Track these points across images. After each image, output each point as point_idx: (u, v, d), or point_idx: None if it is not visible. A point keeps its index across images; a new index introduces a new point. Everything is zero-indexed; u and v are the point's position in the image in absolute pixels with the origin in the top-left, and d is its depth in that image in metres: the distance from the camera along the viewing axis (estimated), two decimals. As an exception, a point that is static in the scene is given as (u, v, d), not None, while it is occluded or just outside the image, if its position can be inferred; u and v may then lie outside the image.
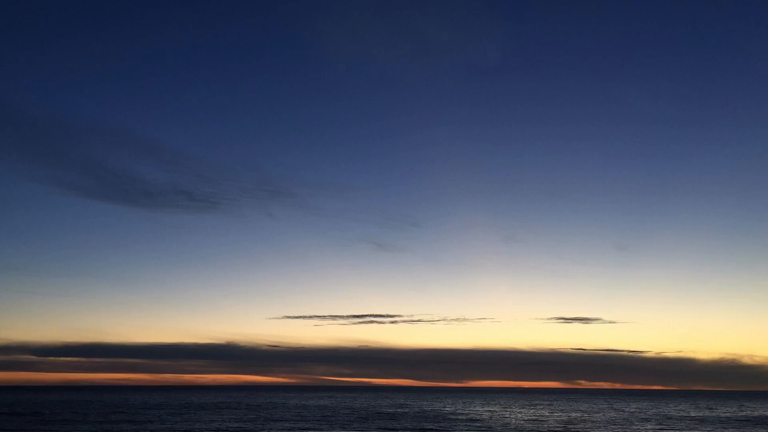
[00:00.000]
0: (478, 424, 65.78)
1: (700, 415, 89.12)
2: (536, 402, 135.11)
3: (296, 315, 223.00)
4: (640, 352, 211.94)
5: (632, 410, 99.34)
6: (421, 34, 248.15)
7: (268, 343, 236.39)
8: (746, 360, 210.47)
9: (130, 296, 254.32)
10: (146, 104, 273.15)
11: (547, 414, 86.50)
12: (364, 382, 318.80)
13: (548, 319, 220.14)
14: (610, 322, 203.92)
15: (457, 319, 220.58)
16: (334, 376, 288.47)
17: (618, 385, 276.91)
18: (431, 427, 62.56)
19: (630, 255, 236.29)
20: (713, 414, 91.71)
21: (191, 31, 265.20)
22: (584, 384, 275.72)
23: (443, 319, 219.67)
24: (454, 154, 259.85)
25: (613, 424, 67.51)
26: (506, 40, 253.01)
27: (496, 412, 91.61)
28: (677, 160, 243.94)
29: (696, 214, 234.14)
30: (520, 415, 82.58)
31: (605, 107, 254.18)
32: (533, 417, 78.98)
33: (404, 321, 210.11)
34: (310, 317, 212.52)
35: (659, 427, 65.51)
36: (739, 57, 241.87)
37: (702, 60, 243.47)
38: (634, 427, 64.71)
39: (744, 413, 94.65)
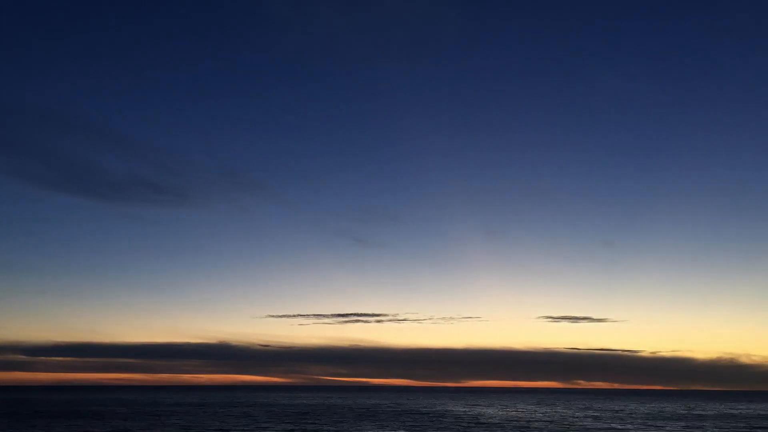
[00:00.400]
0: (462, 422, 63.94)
1: (681, 413, 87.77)
2: (520, 400, 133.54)
3: (280, 314, 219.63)
4: (634, 351, 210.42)
5: (615, 408, 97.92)
6: (397, 24, 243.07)
7: (260, 343, 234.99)
8: (744, 359, 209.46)
9: (104, 294, 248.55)
10: (102, 91, 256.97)
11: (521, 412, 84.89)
12: (361, 382, 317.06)
13: (537, 318, 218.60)
14: (599, 320, 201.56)
15: (444, 318, 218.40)
16: (329, 376, 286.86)
17: (616, 385, 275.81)
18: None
19: (617, 251, 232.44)
20: (691, 412, 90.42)
21: (149, 16, 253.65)
22: (583, 384, 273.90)
23: (429, 318, 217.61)
24: (435, 146, 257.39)
25: (581, 423, 65.81)
26: (489, 37, 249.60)
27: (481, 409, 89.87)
28: (668, 154, 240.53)
29: (687, 211, 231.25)
30: (490, 411, 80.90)
31: (590, 103, 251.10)
32: (509, 415, 77.39)
33: (390, 320, 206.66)
34: (294, 316, 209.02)
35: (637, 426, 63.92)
36: (720, 57, 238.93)
37: (686, 57, 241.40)
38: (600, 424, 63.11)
39: (728, 411, 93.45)
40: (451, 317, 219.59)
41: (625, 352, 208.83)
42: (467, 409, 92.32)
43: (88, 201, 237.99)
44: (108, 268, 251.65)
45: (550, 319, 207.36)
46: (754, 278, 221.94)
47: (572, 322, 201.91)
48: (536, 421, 67.17)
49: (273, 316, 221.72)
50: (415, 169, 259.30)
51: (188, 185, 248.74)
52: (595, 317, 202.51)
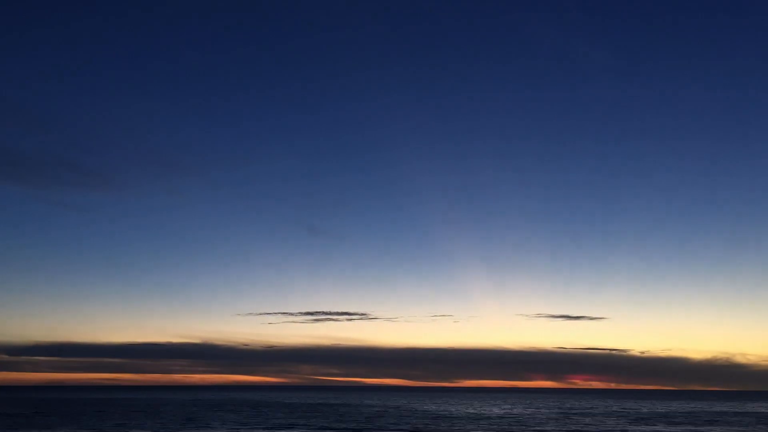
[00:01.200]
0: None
1: (658, 411, 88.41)
2: (504, 400, 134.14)
3: (246, 312, 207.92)
4: (623, 350, 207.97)
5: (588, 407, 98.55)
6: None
7: (242, 342, 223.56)
8: (739, 359, 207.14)
9: (34, 289, 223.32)
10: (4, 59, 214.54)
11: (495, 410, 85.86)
12: (354, 382, 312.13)
13: (516, 315, 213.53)
14: (578, 318, 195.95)
15: (416, 316, 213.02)
16: (321, 376, 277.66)
17: (613, 385, 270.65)
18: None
19: (601, 247, 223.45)
20: (666, 410, 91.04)
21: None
22: (580, 384, 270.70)
23: (401, 317, 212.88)
24: (402, 126, 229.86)
25: (554, 421, 66.79)
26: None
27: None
28: (659, 144, 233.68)
29: (676, 207, 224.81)
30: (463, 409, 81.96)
31: (568, 98, 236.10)
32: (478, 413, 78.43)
33: (360, 319, 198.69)
34: (262, 314, 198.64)
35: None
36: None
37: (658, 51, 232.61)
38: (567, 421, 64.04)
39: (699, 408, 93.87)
40: (425, 315, 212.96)
41: (613, 351, 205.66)
42: (435, 407, 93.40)
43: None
44: (36, 259, 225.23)
45: (526, 317, 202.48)
46: (743, 276, 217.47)
47: (550, 319, 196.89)
48: (487, 417, 68.25)
49: (240, 315, 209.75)
50: (378, 145, 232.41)
51: (109, 165, 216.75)
52: (573, 314, 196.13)
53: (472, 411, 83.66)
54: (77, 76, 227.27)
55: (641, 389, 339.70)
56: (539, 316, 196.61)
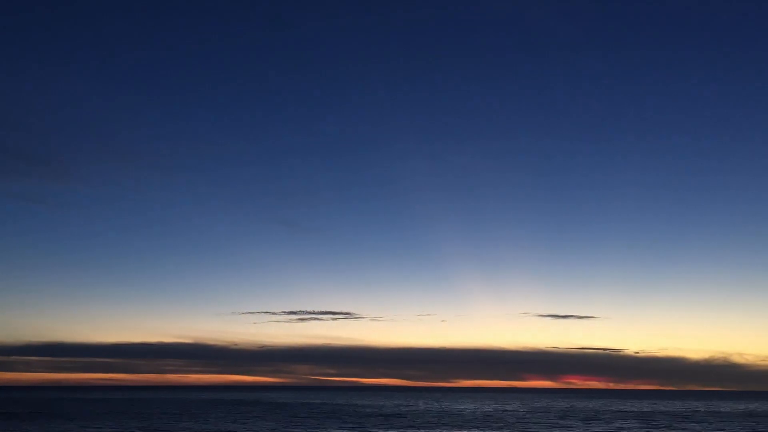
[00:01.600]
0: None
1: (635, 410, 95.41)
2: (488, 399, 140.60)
3: (229, 312, 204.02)
4: (617, 350, 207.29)
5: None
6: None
7: (232, 342, 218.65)
8: (736, 358, 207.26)
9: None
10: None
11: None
12: (350, 382, 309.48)
13: (508, 314, 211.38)
14: (571, 317, 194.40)
15: (403, 316, 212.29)
16: (317, 376, 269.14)
17: (611, 385, 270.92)
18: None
19: (595, 246, 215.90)
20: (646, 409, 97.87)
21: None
22: (577, 384, 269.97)
23: (385, 316, 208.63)
24: (387, 109, 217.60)
25: (520, 421, 74.90)
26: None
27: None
28: (653, 141, 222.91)
29: (667, 205, 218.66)
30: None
31: (551, 95, 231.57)
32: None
33: (345, 318, 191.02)
34: (244, 314, 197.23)
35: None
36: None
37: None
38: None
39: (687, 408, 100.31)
40: (411, 314, 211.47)
41: (607, 351, 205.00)
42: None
43: None
44: (25, 257, 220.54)
45: (518, 315, 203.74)
46: (740, 275, 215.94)
47: (544, 318, 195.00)
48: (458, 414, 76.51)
49: (223, 314, 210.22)
50: (360, 128, 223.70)
51: (59, 153, 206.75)
52: (571, 314, 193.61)
53: (441, 408, 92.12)
54: (34, 65, 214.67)
55: (638, 389, 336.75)
56: (531, 315, 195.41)
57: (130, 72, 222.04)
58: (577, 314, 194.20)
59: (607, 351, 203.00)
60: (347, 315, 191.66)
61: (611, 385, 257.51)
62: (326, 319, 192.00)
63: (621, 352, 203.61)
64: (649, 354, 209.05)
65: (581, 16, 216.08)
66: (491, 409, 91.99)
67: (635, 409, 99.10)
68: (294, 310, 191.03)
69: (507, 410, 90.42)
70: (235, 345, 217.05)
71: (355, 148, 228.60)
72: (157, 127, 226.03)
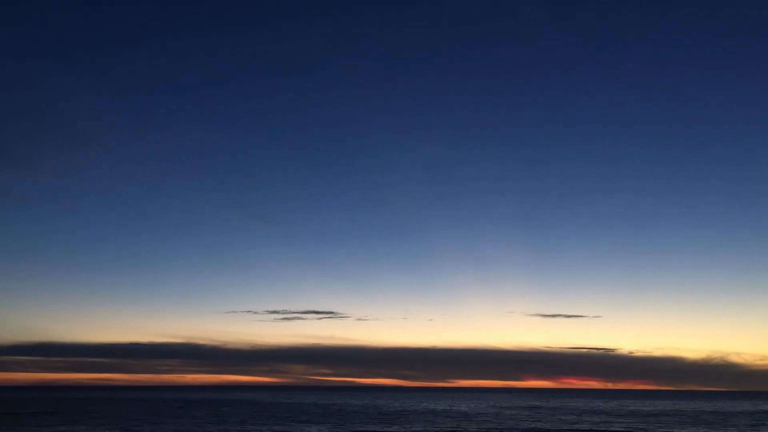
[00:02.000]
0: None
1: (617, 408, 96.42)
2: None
3: (211, 311, 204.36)
4: (611, 349, 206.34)
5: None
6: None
7: (223, 341, 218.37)
8: (734, 358, 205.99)
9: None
10: None
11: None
12: (348, 382, 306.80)
13: (503, 313, 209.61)
14: (568, 316, 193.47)
15: (379, 317, 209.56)
16: (313, 375, 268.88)
17: (610, 385, 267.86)
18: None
19: (588, 245, 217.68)
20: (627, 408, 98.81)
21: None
22: (574, 383, 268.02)
23: (368, 315, 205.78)
24: (378, 104, 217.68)
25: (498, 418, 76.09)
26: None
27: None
28: (650, 139, 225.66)
29: (664, 204, 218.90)
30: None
31: (542, 95, 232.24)
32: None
33: (328, 317, 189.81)
34: (227, 313, 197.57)
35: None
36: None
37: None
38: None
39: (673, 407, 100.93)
40: (401, 314, 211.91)
41: (601, 350, 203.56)
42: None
43: None
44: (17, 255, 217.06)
45: (513, 314, 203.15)
46: (738, 274, 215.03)
47: (539, 318, 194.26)
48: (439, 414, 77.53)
49: (210, 313, 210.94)
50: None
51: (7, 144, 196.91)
52: (568, 314, 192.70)
53: (421, 407, 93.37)
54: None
55: (635, 389, 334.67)
56: (527, 314, 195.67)
57: (109, 65, 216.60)
58: (576, 314, 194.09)
59: (602, 351, 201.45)
60: (331, 314, 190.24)
61: (612, 385, 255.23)
62: (310, 319, 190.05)
63: (614, 352, 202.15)
64: (645, 354, 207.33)
65: (575, 16, 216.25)
66: (462, 409, 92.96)
67: (632, 409, 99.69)
68: (277, 309, 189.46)
69: (481, 407, 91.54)
70: (226, 345, 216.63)
71: (339, 146, 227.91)
72: (145, 125, 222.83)
